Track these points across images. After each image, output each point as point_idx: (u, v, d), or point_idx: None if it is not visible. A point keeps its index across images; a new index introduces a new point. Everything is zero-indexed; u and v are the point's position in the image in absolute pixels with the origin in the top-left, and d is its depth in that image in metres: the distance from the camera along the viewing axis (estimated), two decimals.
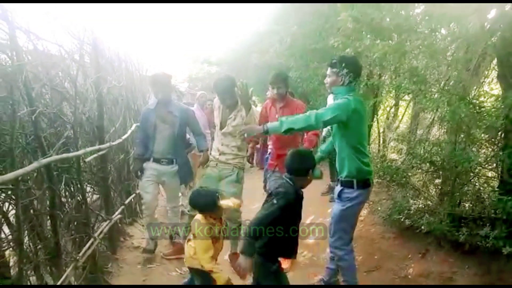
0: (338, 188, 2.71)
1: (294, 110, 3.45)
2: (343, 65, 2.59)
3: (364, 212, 4.52)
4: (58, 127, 2.67)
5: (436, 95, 3.41)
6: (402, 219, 3.51)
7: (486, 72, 3.80)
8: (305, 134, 3.49)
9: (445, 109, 3.35)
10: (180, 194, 4.42)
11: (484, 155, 3.15)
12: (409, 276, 3.15)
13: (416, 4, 3.74)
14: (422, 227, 3.18)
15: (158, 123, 3.53)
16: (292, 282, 3.28)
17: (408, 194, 3.69)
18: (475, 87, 3.51)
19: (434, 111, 3.90)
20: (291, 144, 3.39)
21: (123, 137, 3.87)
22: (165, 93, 3.53)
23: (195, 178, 4.90)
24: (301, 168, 2.28)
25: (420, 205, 3.56)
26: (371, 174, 2.68)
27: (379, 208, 3.99)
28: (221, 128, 3.38)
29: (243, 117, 3.26)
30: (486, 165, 3.17)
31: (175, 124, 3.54)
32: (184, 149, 3.85)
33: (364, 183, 2.62)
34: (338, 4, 4.28)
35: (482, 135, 3.16)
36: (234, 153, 3.38)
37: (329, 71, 2.71)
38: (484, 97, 3.22)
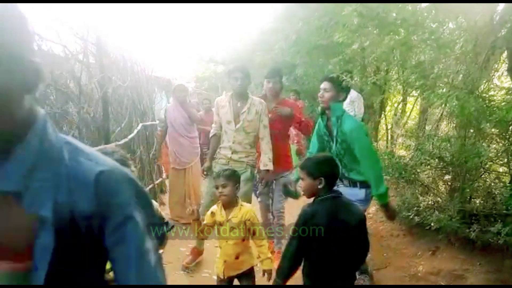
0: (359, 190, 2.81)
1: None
2: (341, 82, 2.75)
3: (372, 209, 4.48)
4: (63, 127, 2.68)
5: (444, 90, 3.35)
6: (411, 216, 3.45)
7: (496, 66, 3.72)
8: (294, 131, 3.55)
9: (454, 103, 3.28)
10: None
11: (495, 150, 3.08)
12: (419, 274, 3.10)
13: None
14: (432, 224, 3.12)
15: None
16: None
17: (417, 191, 3.64)
18: (484, 81, 3.44)
19: (443, 106, 3.83)
20: (281, 139, 3.44)
21: (129, 137, 3.87)
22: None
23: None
24: None
25: (430, 202, 3.51)
26: None
27: None
28: (236, 124, 3.25)
29: (258, 111, 3.22)
30: (497, 160, 3.11)
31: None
32: None
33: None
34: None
35: (492, 129, 3.09)
36: (247, 151, 3.31)
37: (327, 85, 2.76)
38: (494, 91, 3.15)
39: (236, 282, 2.50)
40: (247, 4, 9.38)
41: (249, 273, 2.43)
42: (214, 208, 2.45)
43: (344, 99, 2.85)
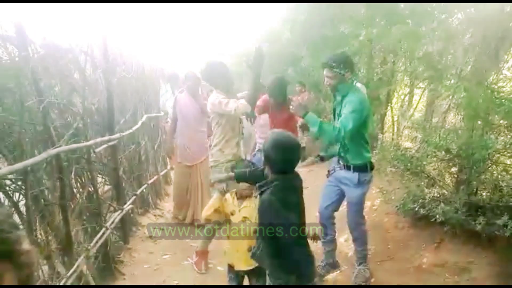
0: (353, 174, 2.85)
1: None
2: (342, 63, 2.74)
3: (377, 201, 4.45)
4: (67, 118, 2.68)
5: (452, 81, 3.30)
6: (416, 209, 3.43)
7: (506, 57, 3.66)
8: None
9: (462, 95, 3.24)
10: None
11: (503, 142, 3.03)
12: (424, 266, 3.08)
13: None
14: (437, 217, 3.10)
15: None
16: None
17: (422, 183, 3.60)
18: (493, 72, 3.38)
19: (450, 97, 3.78)
20: None
21: (134, 128, 3.87)
22: None
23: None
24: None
25: (435, 194, 3.47)
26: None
27: (393, 197, 3.91)
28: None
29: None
30: (505, 152, 3.06)
31: None
32: None
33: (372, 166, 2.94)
34: None
35: (501, 121, 3.05)
36: None
37: (329, 72, 2.80)
38: (503, 82, 3.10)
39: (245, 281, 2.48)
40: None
41: (259, 271, 2.29)
42: (227, 196, 2.43)
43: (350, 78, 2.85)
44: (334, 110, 2.97)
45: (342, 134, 2.62)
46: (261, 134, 4.34)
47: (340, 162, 2.94)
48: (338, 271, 3.16)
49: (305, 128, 3.06)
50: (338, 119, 2.81)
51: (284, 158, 1.78)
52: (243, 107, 2.91)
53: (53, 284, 2.17)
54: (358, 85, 5.16)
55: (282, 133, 1.86)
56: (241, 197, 2.36)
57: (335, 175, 3.00)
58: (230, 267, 2.45)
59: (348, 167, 2.87)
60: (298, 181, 1.89)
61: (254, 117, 3.34)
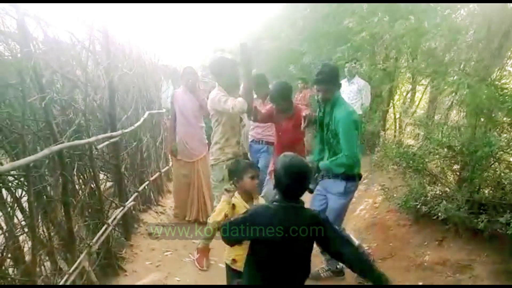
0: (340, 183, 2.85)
1: (300, 119, 3.36)
2: (334, 77, 2.80)
3: (379, 199, 4.45)
4: (69, 114, 2.68)
5: (455, 77, 3.29)
6: (418, 206, 3.42)
7: (509, 53, 3.63)
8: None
9: (465, 91, 3.22)
10: None
11: (506, 139, 3.03)
12: (425, 264, 3.08)
13: None
14: (439, 214, 3.10)
15: None
16: None
17: (424, 181, 3.59)
18: (496, 68, 3.36)
19: (453, 94, 3.77)
20: (294, 148, 3.13)
21: (136, 125, 3.86)
22: None
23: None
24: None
25: (437, 192, 3.47)
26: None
27: (395, 195, 3.91)
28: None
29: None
30: (508, 150, 3.05)
31: None
32: None
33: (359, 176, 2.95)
34: None
35: (504, 118, 3.03)
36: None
37: (319, 87, 2.84)
38: (507, 79, 3.08)
39: None
40: None
41: None
42: (233, 201, 2.36)
43: (340, 86, 2.92)
44: (321, 119, 2.96)
45: (353, 158, 2.71)
46: (259, 130, 4.33)
47: (329, 171, 2.91)
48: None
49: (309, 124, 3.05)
50: (328, 129, 2.86)
51: (289, 184, 1.75)
52: (240, 105, 2.90)
53: (54, 281, 2.18)
54: (362, 82, 5.18)
55: (293, 158, 1.80)
56: (248, 199, 2.35)
57: (322, 183, 2.98)
58: (234, 270, 2.39)
59: (336, 176, 2.85)
60: (301, 216, 1.78)
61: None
